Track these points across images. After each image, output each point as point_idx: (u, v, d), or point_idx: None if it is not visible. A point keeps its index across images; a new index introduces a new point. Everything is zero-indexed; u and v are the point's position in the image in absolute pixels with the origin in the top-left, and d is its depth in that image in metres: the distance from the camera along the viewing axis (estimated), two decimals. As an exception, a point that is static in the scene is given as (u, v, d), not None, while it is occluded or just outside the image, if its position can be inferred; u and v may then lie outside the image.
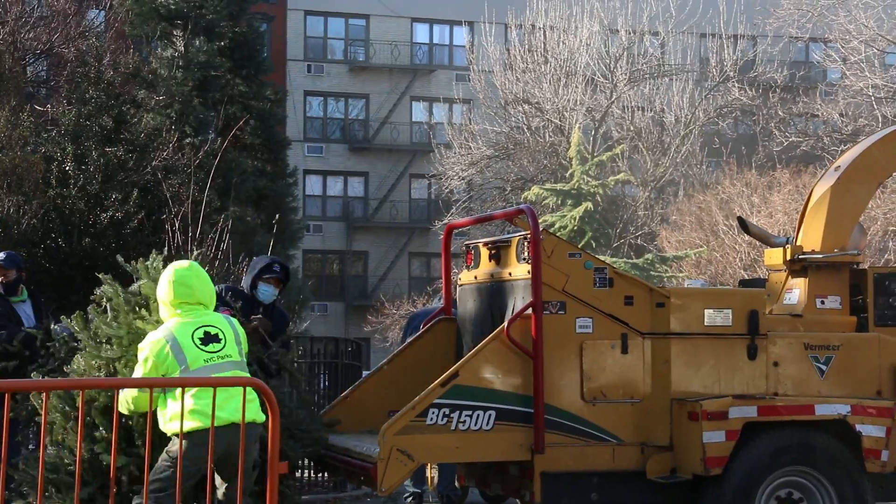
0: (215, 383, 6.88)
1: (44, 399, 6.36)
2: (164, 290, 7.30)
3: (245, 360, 7.34)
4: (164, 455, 7.12)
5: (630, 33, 36.35)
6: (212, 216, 15.15)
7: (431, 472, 11.80)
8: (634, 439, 8.59)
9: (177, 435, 6.96)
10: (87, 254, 15.79)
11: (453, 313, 9.79)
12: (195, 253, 8.42)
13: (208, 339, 7.15)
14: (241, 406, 6.70)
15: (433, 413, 8.04)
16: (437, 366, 8.98)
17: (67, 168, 16.46)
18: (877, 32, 29.96)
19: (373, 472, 7.91)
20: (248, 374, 7.29)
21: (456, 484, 11.19)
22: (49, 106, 20.41)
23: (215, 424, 6.72)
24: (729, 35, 37.37)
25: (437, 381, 8.13)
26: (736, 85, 36.99)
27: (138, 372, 7.20)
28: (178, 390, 7.01)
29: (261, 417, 7.10)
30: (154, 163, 16.97)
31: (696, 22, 36.77)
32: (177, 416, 6.95)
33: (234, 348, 7.22)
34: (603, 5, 36.41)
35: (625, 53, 36.21)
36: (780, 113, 37.39)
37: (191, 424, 6.96)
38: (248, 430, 6.80)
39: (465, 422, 8.12)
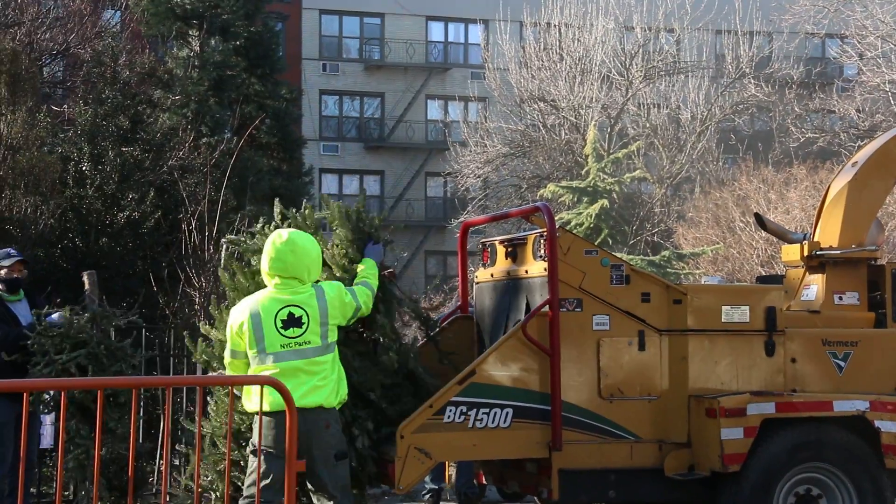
0: (233, 381, 6.92)
1: (62, 397, 6.37)
2: (262, 260, 7.46)
3: (330, 339, 7.30)
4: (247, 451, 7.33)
5: (645, 30, 36.28)
6: (228, 215, 15.18)
7: (450, 470, 11.81)
8: (652, 436, 8.58)
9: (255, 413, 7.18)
10: (105, 253, 15.84)
11: (470, 311, 9.78)
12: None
13: (290, 322, 7.23)
14: (309, 391, 7.03)
15: (450, 411, 8.04)
16: (454, 363, 8.97)
17: (84, 168, 16.51)
18: (893, 28, 29.83)
19: (390, 469, 7.91)
20: (330, 357, 7.28)
21: (474, 481, 11.20)
22: (66, 106, 20.48)
23: (275, 410, 6.95)
24: (745, 31, 37.26)
25: (454, 379, 8.13)
26: (752, 81, 36.88)
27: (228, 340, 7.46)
28: (253, 369, 7.25)
29: (328, 401, 7.18)
30: (170, 162, 17.01)
31: (712, 18, 36.67)
32: (250, 394, 7.19)
33: (317, 331, 7.24)
34: (618, 2, 36.35)
35: (640, 50, 36.14)
36: (796, 109, 37.25)
37: (250, 406, 7.21)
38: (313, 416, 6.98)
39: (482, 419, 8.12)
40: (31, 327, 9.28)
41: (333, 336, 7.35)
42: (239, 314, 7.35)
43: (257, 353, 7.23)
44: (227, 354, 7.42)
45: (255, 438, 7.20)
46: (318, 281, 7.56)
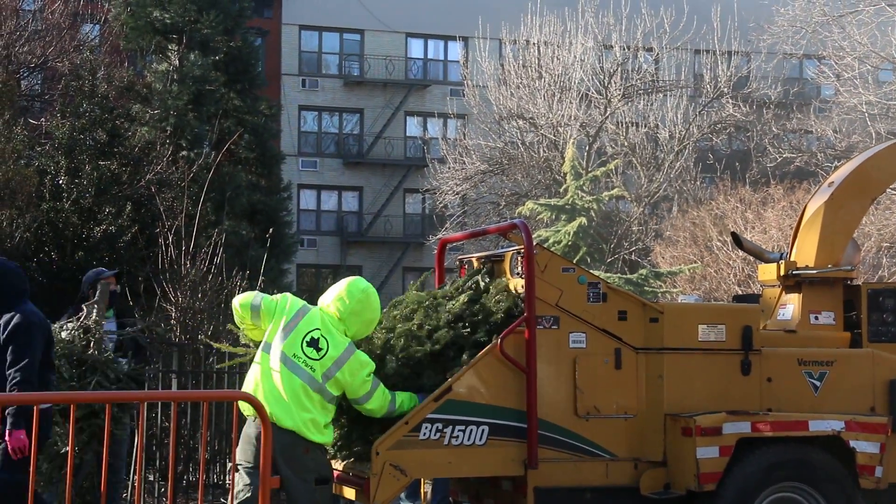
0: (207, 397, 6.89)
1: (35, 412, 6.32)
2: (331, 291, 7.66)
3: (328, 386, 7.35)
4: None
5: (624, 49, 36.40)
6: (206, 230, 15.15)
7: (425, 487, 11.77)
8: (628, 455, 8.56)
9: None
10: (81, 267, 15.76)
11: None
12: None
13: (313, 343, 7.38)
14: (290, 412, 7.11)
15: (426, 428, 8.01)
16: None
17: (61, 181, 16.46)
18: (870, 49, 29.99)
19: (365, 486, 7.88)
20: (319, 398, 7.32)
21: (450, 499, 11.15)
22: (43, 119, 20.41)
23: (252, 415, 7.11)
24: (723, 51, 37.44)
25: (430, 396, 8.10)
26: (730, 101, 37.04)
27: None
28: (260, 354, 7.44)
29: (305, 433, 7.17)
30: (148, 176, 16.98)
31: (691, 38, 36.83)
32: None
33: (323, 369, 7.34)
34: (597, 21, 36.47)
35: (619, 69, 36.26)
36: (773, 129, 37.42)
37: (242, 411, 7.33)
38: (289, 437, 7.00)
39: (458, 437, 8.09)
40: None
41: (332, 388, 7.40)
42: (290, 300, 7.59)
43: (273, 341, 7.38)
44: (255, 297, 7.59)
45: (237, 454, 7.23)
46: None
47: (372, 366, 7.61)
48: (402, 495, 11.10)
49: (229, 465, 7.41)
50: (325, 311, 7.61)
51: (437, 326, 8.33)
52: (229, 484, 7.32)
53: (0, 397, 7.14)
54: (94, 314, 8.86)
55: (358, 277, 7.80)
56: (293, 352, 7.35)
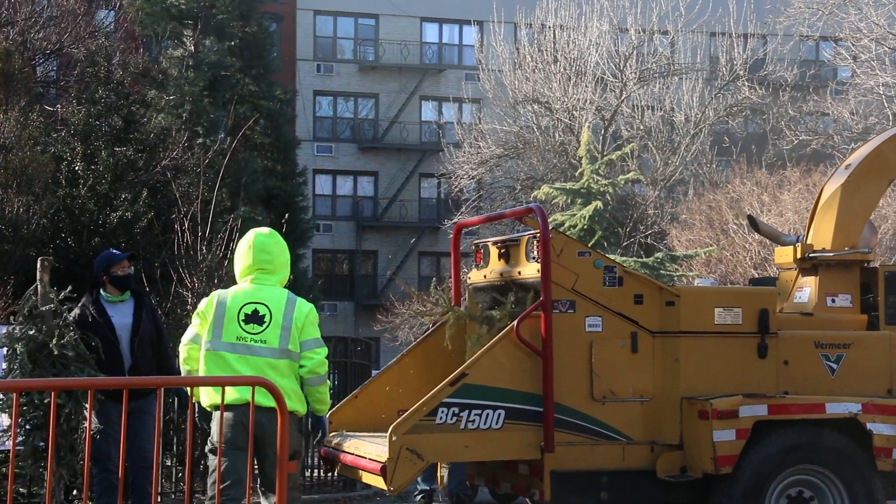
0: (222, 382, 6.87)
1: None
2: (242, 257, 7.36)
3: (291, 346, 7.14)
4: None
5: (640, 32, 36.28)
6: (222, 216, 15.18)
7: (442, 471, 11.79)
8: (644, 438, 8.57)
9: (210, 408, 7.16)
10: (97, 253, 15.77)
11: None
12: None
13: (253, 317, 7.16)
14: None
15: (443, 412, 8.02)
16: (446, 364, 8.96)
17: (77, 168, 16.50)
18: (888, 31, 29.85)
19: (382, 471, 7.89)
20: (286, 363, 7.12)
21: (467, 483, 11.18)
22: (59, 106, 20.45)
23: (235, 404, 6.87)
24: (739, 34, 37.28)
25: (446, 381, 8.11)
26: (746, 84, 36.89)
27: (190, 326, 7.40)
28: (204, 355, 7.17)
29: (286, 404, 6.99)
30: (164, 162, 17.01)
31: (706, 21, 36.69)
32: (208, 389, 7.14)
33: (276, 332, 7.13)
34: (612, 4, 36.35)
35: (634, 52, 36.12)
36: (790, 111, 37.27)
37: (204, 400, 7.16)
38: (269, 415, 6.74)
39: (474, 421, 8.10)
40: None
41: (294, 345, 7.18)
42: (207, 299, 7.35)
43: (212, 339, 7.16)
44: (185, 338, 7.33)
45: (213, 436, 7.13)
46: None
47: (314, 310, 7.34)
48: (419, 479, 11.14)
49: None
50: (250, 280, 7.32)
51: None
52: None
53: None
54: (35, 298, 8.52)
55: (254, 231, 7.48)
56: (236, 335, 7.14)
